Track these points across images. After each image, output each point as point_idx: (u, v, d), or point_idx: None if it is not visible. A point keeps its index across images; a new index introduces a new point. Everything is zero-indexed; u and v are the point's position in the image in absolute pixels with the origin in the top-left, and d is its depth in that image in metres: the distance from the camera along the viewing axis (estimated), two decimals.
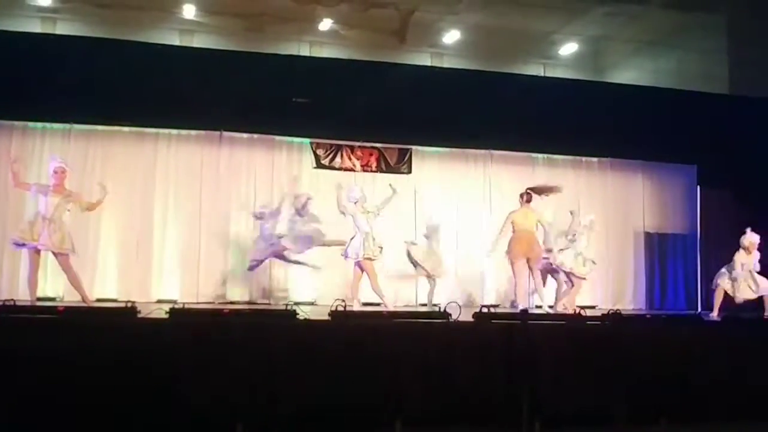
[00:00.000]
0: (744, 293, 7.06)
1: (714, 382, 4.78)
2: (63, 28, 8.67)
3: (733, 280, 7.07)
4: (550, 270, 6.93)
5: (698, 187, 9.07)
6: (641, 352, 4.73)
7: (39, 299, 7.01)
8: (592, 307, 7.11)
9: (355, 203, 6.41)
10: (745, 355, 4.96)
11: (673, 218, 9.13)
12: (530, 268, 6.21)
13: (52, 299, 7.09)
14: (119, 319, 4.34)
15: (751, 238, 7.10)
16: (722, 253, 7.37)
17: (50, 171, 5.83)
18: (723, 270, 7.23)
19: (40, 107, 7.16)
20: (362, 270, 6.39)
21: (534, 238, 6.14)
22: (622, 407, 4.56)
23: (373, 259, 6.36)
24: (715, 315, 6.99)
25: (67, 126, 7.66)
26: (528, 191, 6.28)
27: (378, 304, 6.61)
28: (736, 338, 5.10)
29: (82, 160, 7.60)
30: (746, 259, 7.08)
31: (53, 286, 7.26)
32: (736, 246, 7.16)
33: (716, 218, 8.01)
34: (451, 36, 9.58)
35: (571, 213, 7.13)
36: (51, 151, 7.52)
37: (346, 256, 6.46)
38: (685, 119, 8.20)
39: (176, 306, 4.55)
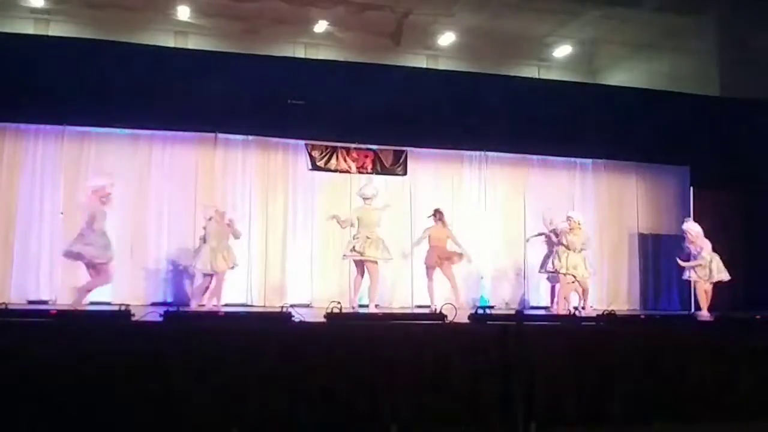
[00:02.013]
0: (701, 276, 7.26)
1: (708, 382, 4.81)
2: (56, 29, 8.64)
3: (696, 266, 7.28)
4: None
5: (691, 188, 9.11)
6: (636, 353, 4.76)
7: (30, 302, 6.99)
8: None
9: (365, 200, 6.71)
10: (739, 354, 4.99)
11: (667, 219, 9.16)
12: (444, 273, 7.03)
13: (45, 302, 7.04)
14: (113, 322, 4.32)
15: (685, 226, 7.41)
16: (715, 253, 7.41)
17: (96, 189, 6.03)
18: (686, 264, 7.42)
19: (33, 108, 7.11)
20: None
21: (445, 249, 7.02)
22: (616, 407, 4.58)
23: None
24: (705, 313, 7.01)
25: (60, 128, 7.61)
26: (439, 211, 7.08)
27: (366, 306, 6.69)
28: (729, 338, 5.13)
29: (76, 162, 7.55)
30: (692, 247, 7.33)
31: (47, 289, 7.22)
32: (729, 246, 7.21)
33: (709, 219, 8.04)
34: (446, 38, 9.60)
35: (543, 216, 7.48)
36: (44, 152, 7.50)
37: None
38: (678, 121, 8.25)
39: (170, 309, 4.53)
